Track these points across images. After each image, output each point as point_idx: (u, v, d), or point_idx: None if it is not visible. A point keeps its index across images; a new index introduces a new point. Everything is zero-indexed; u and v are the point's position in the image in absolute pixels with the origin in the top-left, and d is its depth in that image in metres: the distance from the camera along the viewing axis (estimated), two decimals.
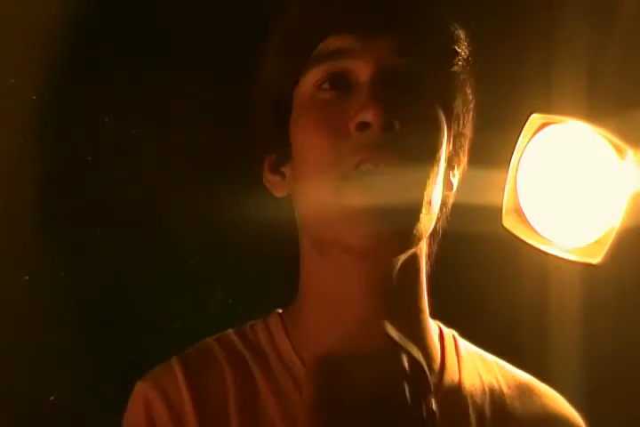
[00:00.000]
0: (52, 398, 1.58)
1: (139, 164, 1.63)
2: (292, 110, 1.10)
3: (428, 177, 1.07)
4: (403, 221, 1.06)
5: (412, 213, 1.06)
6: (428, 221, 1.08)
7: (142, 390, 1.11)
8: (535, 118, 1.18)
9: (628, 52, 1.71)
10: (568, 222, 1.18)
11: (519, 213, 1.21)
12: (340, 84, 1.07)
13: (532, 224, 1.21)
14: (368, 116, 1.03)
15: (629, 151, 1.13)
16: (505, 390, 1.16)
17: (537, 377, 1.22)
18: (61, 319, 1.59)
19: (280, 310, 1.17)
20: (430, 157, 1.08)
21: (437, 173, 1.09)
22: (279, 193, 1.14)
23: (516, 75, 1.75)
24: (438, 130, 1.09)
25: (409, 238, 1.06)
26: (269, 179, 1.14)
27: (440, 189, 1.10)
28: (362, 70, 1.06)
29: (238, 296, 1.65)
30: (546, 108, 1.22)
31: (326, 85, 1.07)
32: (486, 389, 1.15)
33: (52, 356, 1.57)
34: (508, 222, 1.21)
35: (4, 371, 1.55)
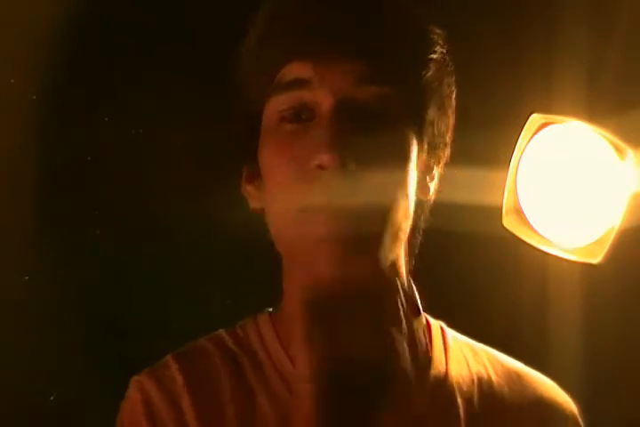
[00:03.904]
0: (51, 398, 1.58)
1: (139, 164, 1.63)
2: (261, 129, 1.10)
3: (391, 207, 1.07)
4: (367, 251, 1.05)
5: (377, 241, 1.06)
6: (395, 246, 1.08)
7: (139, 380, 1.12)
8: (535, 118, 1.18)
9: (627, 52, 1.71)
10: (568, 222, 1.18)
11: (519, 213, 1.21)
12: (302, 115, 1.06)
13: (532, 224, 1.21)
14: (323, 160, 1.03)
15: (629, 151, 1.13)
16: (494, 378, 1.17)
17: None
18: (61, 319, 1.59)
19: (270, 309, 1.18)
20: (395, 185, 1.07)
21: (405, 196, 1.08)
22: (254, 204, 1.14)
23: (516, 75, 1.75)
24: (404, 157, 1.08)
25: (375, 264, 1.06)
26: (246, 188, 1.15)
27: (408, 210, 1.09)
28: (322, 102, 1.05)
29: (238, 296, 1.65)
30: (546, 108, 1.22)
31: (288, 117, 1.07)
32: (474, 378, 1.16)
33: (52, 356, 1.57)
34: (508, 222, 1.21)
35: (4, 371, 1.55)
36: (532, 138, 1.19)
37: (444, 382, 1.14)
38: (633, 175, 1.14)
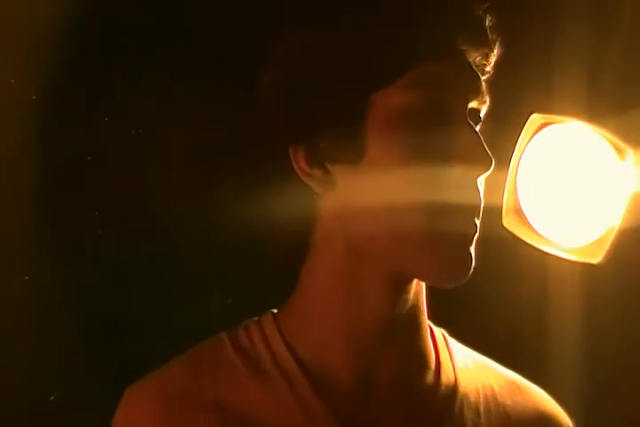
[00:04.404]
0: (51, 398, 1.58)
1: (139, 164, 1.63)
2: (369, 119, 1.07)
3: None
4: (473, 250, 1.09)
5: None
6: None
7: (125, 398, 1.14)
8: (535, 118, 1.19)
9: (628, 52, 1.71)
10: (568, 222, 1.18)
11: (519, 213, 1.21)
12: (436, 112, 1.07)
13: (532, 224, 1.21)
14: (483, 169, 1.06)
15: (629, 151, 1.13)
16: (496, 388, 1.17)
17: (537, 377, 1.22)
18: (61, 319, 1.59)
19: (274, 311, 1.18)
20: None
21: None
22: (319, 188, 1.11)
23: (516, 75, 1.75)
24: None
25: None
26: (306, 170, 1.11)
27: None
28: (461, 107, 1.07)
29: (238, 296, 1.65)
30: (546, 108, 1.22)
31: (422, 111, 1.06)
32: (479, 387, 1.16)
33: (52, 356, 1.57)
34: (508, 222, 1.21)
35: (4, 371, 1.55)
36: (532, 138, 1.19)
37: (453, 389, 1.14)
38: (633, 175, 1.14)
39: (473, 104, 1.08)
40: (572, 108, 1.40)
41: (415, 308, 1.12)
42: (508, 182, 1.21)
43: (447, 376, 1.14)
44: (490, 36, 1.10)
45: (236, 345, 1.14)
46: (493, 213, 1.22)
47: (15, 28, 1.56)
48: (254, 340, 1.14)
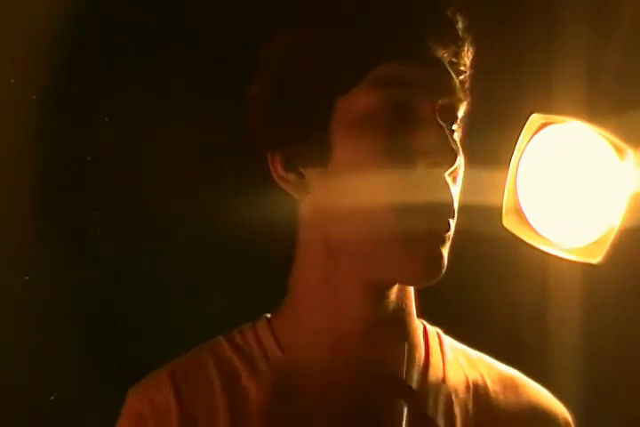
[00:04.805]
0: (51, 398, 1.58)
1: (139, 164, 1.63)
2: (333, 122, 1.08)
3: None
4: (446, 250, 1.09)
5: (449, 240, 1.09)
6: None
7: (134, 405, 1.13)
8: (535, 118, 1.18)
9: (628, 52, 1.71)
10: (568, 222, 1.18)
11: (519, 213, 1.21)
12: (402, 112, 1.06)
13: (532, 224, 1.21)
14: (447, 164, 1.05)
15: (629, 151, 1.13)
16: (489, 384, 1.17)
17: (537, 377, 1.22)
18: (61, 319, 1.59)
19: (268, 315, 1.18)
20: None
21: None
22: (295, 193, 1.12)
23: (516, 75, 1.75)
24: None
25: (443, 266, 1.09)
26: (283, 175, 1.12)
27: None
28: (425, 105, 1.06)
29: (238, 296, 1.65)
30: (546, 108, 1.22)
31: (387, 112, 1.06)
32: (470, 384, 1.16)
33: (52, 356, 1.57)
34: (508, 222, 1.21)
35: (4, 371, 1.55)
36: (532, 138, 1.19)
37: (441, 386, 1.14)
38: (633, 175, 1.14)
39: (446, 102, 1.08)
40: (572, 108, 1.39)
41: (400, 310, 1.13)
42: (507, 182, 1.20)
43: (435, 374, 1.15)
44: (459, 35, 1.09)
45: (233, 346, 1.15)
46: (493, 213, 1.22)
47: (15, 28, 1.56)
48: (249, 341, 1.15)
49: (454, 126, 1.10)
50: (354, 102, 1.07)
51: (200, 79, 1.63)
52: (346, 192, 1.07)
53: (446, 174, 1.06)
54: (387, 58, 1.06)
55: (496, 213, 1.22)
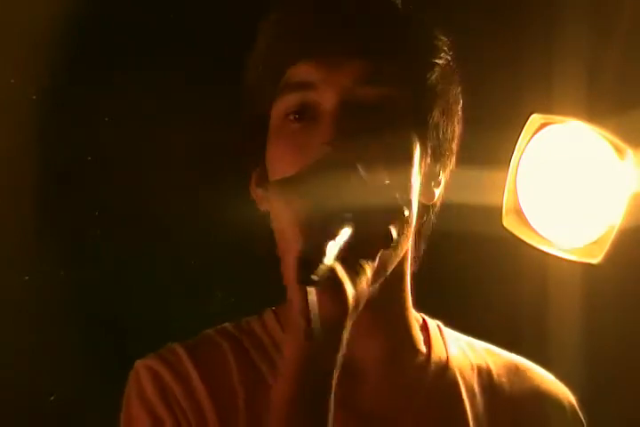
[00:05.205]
0: (51, 398, 1.58)
1: (139, 164, 1.63)
2: (269, 131, 1.11)
3: None
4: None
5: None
6: (392, 257, 1.07)
7: (148, 365, 1.12)
8: (535, 118, 1.18)
9: (627, 52, 1.71)
10: (568, 222, 1.18)
11: (519, 213, 1.21)
12: (308, 114, 1.07)
13: (532, 224, 1.21)
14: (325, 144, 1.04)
15: (629, 151, 1.13)
16: (493, 369, 1.18)
17: None
18: (61, 319, 1.59)
19: (274, 308, 1.19)
20: (396, 186, 1.05)
21: (407, 198, 1.07)
22: (263, 207, 1.14)
23: (516, 75, 1.75)
24: (405, 158, 1.08)
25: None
26: (256, 192, 1.15)
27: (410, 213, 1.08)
28: (325, 101, 1.07)
29: (238, 296, 1.65)
30: (546, 108, 1.22)
31: (293, 116, 1.08)
32: (475, 367, 1.17)
33: (52, 356, 1.57)
34: (508, 222, 1.21)
35: (4, 371, 1.55)
36: (531, 138, 1.19)
37: (445, 367, 1.15)
38: (633, 175, 1.14)
39: (357, 97, 1.07)
40: (572, 108, 1.40)
41: (394, 301, 1.12)
42: (507, 182, 1.21)
43: (439, 357, 1.16)
44: (365, 33, 1.09)
45: (241, 331, 1.16)
46: (493, 213, 1.22)
47: (15, 28, 1.56)
48: (255, 329, 1.16)
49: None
50: (274, 112, 1.10)
51: (200, 79, 1.63)
52: (274, 202, 1.07)
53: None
54: (293, 60, 1.08)
55: (496, 213, 1.22)
